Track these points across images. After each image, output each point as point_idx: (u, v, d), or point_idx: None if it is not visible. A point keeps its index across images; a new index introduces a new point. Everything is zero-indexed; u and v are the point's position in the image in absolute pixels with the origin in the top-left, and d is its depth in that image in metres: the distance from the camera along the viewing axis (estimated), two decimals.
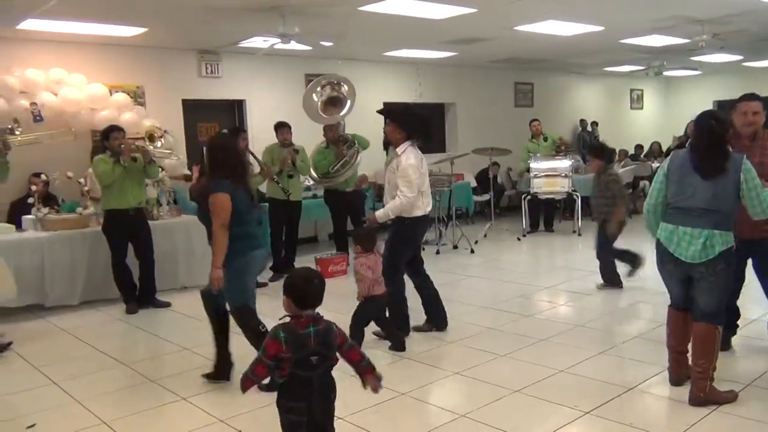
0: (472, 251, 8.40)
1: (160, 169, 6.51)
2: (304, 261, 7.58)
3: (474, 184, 11.29)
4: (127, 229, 6.07)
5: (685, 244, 3.38)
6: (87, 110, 7.36)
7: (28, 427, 3.60)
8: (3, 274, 5.30)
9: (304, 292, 2.46)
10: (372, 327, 4.80)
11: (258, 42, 7.89)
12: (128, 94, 7.87)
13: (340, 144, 7.54)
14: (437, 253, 8.37)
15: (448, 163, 8.87)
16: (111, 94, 7.62)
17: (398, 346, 4.62)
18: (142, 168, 6.08)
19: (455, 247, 8.62)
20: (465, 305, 5.84)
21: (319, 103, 7.40)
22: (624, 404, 3.53)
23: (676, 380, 3.68)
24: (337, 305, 6.08)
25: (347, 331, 4.31)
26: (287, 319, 2.47)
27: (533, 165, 9.45)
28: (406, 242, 4.91)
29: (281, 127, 7.28)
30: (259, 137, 8.27)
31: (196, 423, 3.54)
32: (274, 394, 2.51)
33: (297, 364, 2.39)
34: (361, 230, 4.89)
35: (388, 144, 4.99)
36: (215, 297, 4.01)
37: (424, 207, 4.86)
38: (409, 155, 4.69)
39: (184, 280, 6.87)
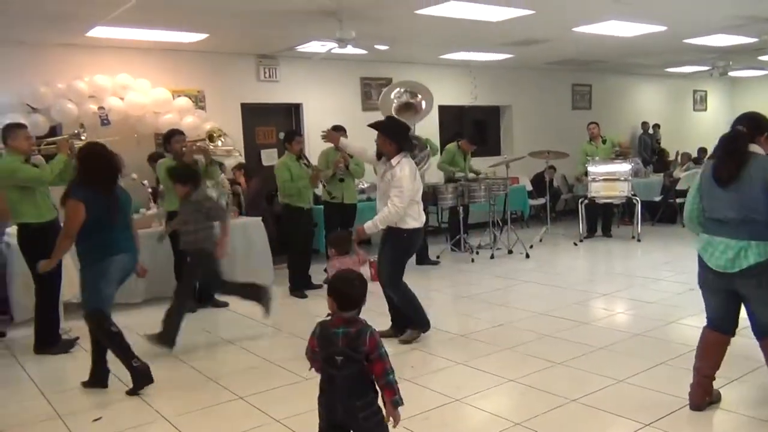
0: (528, 256, 8.30)
1: (220, 171, 6.67)
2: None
3: (529, 187, 11.15)
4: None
5: (718, 253, 3.25)
6: (151, 114, 7.61)
7: (95, 420, 3.75)
8: (71, 272, 5.52)
9: (344, 293, 2.53)
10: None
11: (315, 46, 8.01)
12: (190, 98, 8.09)
13: (413, 146, 7.67)
14: (492, 257, 8.30)
15: (504, 166, 8.79)
16: (174, 98, 7.85)
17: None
18: (203, 170, 6.23)
19: (510, 251, 8.53)
20: (520, 311, 5.77)
21: (395, 105, 7.55)
22: (684, 418, 3.43)
23: (696, 405, 3.45)
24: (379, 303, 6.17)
25: None
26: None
27: (591, 168, 9.26)
28: (404, 254, 4.96)
29: (336, 131, 7.35)
30: (316, 141, 8.35)
31: (253, 422, 3.62)
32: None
33: (324, 361, 2.50)
34: (337, 234, 4.92)
35: (381, 155, 4.95)
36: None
37: (419, 218, 4.89)
38: (404, 166, 4.73)
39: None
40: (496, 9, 6.86)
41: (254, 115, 9.16)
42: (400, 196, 4.67)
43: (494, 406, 3.71)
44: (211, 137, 6.88)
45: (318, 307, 6.28)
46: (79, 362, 4.92)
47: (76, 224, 4.03)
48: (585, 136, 10.09)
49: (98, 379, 4.29)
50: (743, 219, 3.17)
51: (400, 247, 4.88)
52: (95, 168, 4.17)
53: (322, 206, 7.44)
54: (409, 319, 5.01)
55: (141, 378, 4.14)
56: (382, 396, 2.51)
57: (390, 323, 5.11)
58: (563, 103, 12.63)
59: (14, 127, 5.14)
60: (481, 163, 9.35)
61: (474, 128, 11.73)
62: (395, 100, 7.64)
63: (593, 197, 9.26)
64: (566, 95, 12.71)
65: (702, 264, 3.36)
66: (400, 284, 4.94)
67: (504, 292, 6.60)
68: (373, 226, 4.78)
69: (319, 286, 7.01)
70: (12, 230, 5.58)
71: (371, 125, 5.05)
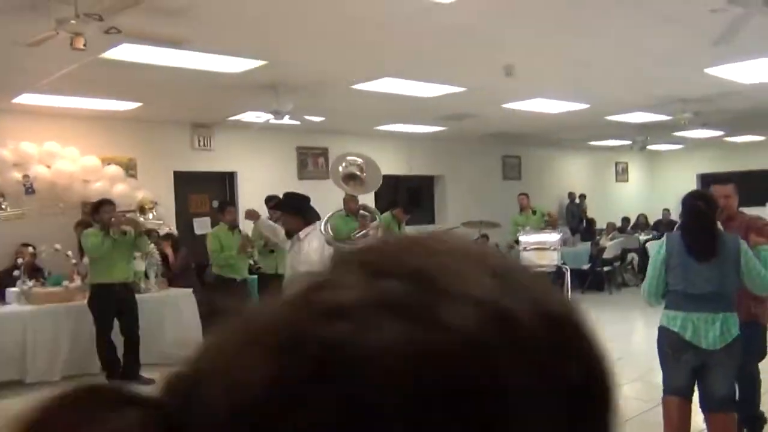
0: None
1: (149, 242, 6.49)
2: None
3: None
4: (113, 304, 5.98)
5: (703, 331, 3.24)
6: (80, 182, 7.39)
7: None
8: None
9: None
10: None
11: (251, 117, 8.04)
12: (121, 166, 7.92)
13: (363, 216, 7.80)
14: None
15: None
16: (104, 166, 7.66)
17: None
18: (132, 242, 6.04)
19: None
20: None
21: (342, 173, 7.66)
22: None
23: None
24: None
25: None
26: None
27: (522, 238, 9.49)
28: None
29: (270, 201, 7.32)
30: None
31: None
32: None
33: None
34: None
35: (290, 233, 4.93)
36: None
37: None
38: (312, 239, 4.73)
39: (171, 355, 6.73)
40: (430, 86, 7.10)
41: (187, 183, 9.03)
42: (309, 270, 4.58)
43: None
44: (142, 209, 6.72)
45: None
46: None
47: None
48: (515, 204, 10.39)
49: None
50: (719, 292, 3.24)
51: None
52: None
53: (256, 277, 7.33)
54: None
55: None
56: None
57: None
58: (494, 174, 13.02)
59: None
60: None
61: (409, 197, 11.91)
62: (341, 169, 7.77)
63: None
64: (497, 166, 13.13)
65: (677, 340, 3.31)
66: None
67: None
68: None
69: None
70: None
71: (276, 207, 5.10)
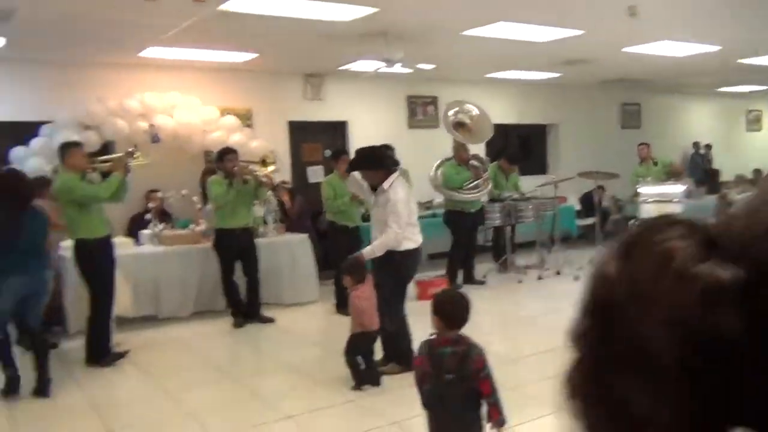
0: (577, 278, 8.12)
1: (267, 191, 6.73)
2: None
3: (578, 207, 10.95)
4: (235, 248, 6.29)
5: None
6: (199, 132, 7.72)
7: None
8: (122, 288, 5.62)
9: (452, 312, 2.57)
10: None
11: (362, 65, 8.05)
12: (238, 117, 8.20)
13: (474, 166, 7.77)
14: (539, 278, 8.15)
15: (552, 186, 8.65)
16: (222, 117, 7.96)
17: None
18: (252, 190, 6.30)
19: (558, 273, 8.36)
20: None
21: (451, 120, 7.67)
22: None
23: None
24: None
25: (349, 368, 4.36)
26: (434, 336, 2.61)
27: (642, 190, 9.03)
28: (399, 277, 4.73)
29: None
30: None
31: None
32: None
33: (434, 380, 2.51)
34: (351, 260, 4.71)
35: (375, 188, 4.77)
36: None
37: (414, 239, 4.71)
38: (396, 189, 4.61)
39: (288, 297, 7.04)
40: (545, 30, 6.79)
41: (301, 132, 9.23)
42: (397, 221, 4.52)
43: None
44: (264, 162, 6.93)
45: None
46: (129, 374, 4.99)
47: None
48: (634, 154, 9.88)
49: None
50: None
51: (396, 271, 4.68)
52: None
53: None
54: (396, 352, 4.74)
55: (9, 385, 4.46)
56: (488, 414, 2.55)
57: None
58: (612, 122, 12.42)
59: (71, 146, 5.27)
60: (529, 182, 9.22)
61: (520, 146, 11.63)
62: (452, 117, 7.77)
63: (644, 219, 9.04)
64: (615, 114, 12.50)
65: None
66: (398, 312, 4.71)
67: (553, 315, 6.44)
68: (371, 252, 4.63)
69: None
70: (67, 244, 5.70)
71: (352, 167, 5.01)
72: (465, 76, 9.84)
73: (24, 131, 7.15)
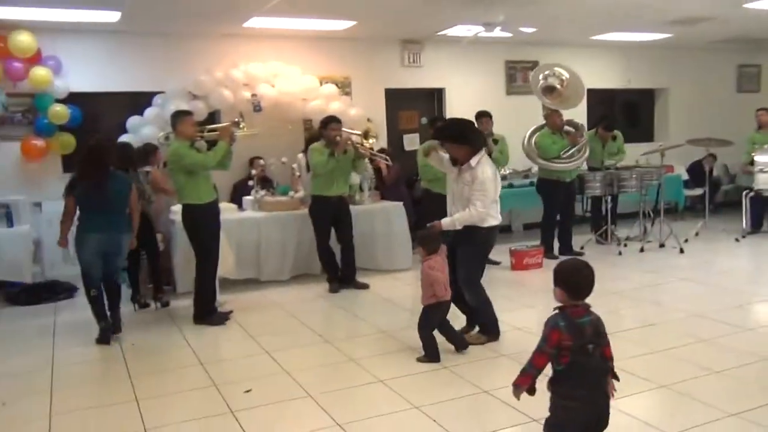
0: (682, 251, 7.75)
1: (366, 163, 6.80)
2: (497, 251, 7.49)
3: (685, 176, 10.39)
4: (330, 215, 6.43)
5: None
6: (299, 101, 7.89)
7: (246, 391, 3.98)
8: (225, 250, 5.91)
9: (578, 282, 2.53)
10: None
11: (461, 30, 7.93)
12: (336, 85, 8.30)
13: (570, 132, 7.57)
14: (641, 250, 7.84)
15: (658, 154, 8.24)
16: (321, 85, 8.09)
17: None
18: (351, 160, 6.40)
19: (662, 245, 8.01)
20: (673, 311, 5.41)
21: (541, 84, 7.44)
22: None
23: None
24: (533, 300, 6.02)
25: (422, 341, 4.37)
26: (557, 310, 2.55)
27: (758, 158, 8.45)
28: (482, 252, 4.73)
29: (482, 117, 7.24)
30: None
31: (392, 406, 3.67)
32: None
33: (576, 352, 2.46)
34: (426, 231, 4.61)
35: (455, 161, 4.64)
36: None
37: (497, 216, 4.66)
38: (485, 168, 4.45)
39: (382, 263, 7.16)
40: None
41: (398, 100, 9.25)
42: (483, 199, 4.44)
43: (644, 413, 3.49)
44: (366, 135, 7.00)
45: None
46: (233, 333, 5.26)
47: (65, 207, 5.10)
48: (752, 120, 9.23)
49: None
50: None
51: (478, 246, 4.66)
52: (79, 162, 5.19)
53: None
54: (481, 324, 4.82)
55: (101, 335, 5.05)
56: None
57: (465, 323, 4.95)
58: (727, 85, 11.61)
59: (182, 114, 5.56)
60: (634, 150, 8.82)
61: (625, 112, 11.11)
62: (541, 81, 7.50)
63: (760, 189, 8.46)
64: (731, 76, 11.67)
65: None
66: (478, 285, 4.72)
67: (655, 289, 6.21)
68: (451, 224, 4.58)
69: None
70: (177, 208, 6.04)
71: (436, 136, 4.86)
72: (567, 38, 9.47)
73: (140, 101, 7.59)
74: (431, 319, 4.42)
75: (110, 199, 5.03)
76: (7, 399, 4.02)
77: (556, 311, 2.53)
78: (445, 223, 4.62)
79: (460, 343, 4.55)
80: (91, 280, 5.07)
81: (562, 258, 7.64)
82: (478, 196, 4.46)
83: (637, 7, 7.35)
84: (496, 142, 7.20)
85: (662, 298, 5.85)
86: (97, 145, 5.07)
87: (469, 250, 4.65)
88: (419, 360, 4.38)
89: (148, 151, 6.33)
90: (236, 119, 5.78)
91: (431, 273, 4.33)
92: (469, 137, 4.56)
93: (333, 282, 6.50)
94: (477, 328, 4.83)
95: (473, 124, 4.86)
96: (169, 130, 6.00)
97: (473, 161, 4.50)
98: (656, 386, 3.83)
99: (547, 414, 2.60)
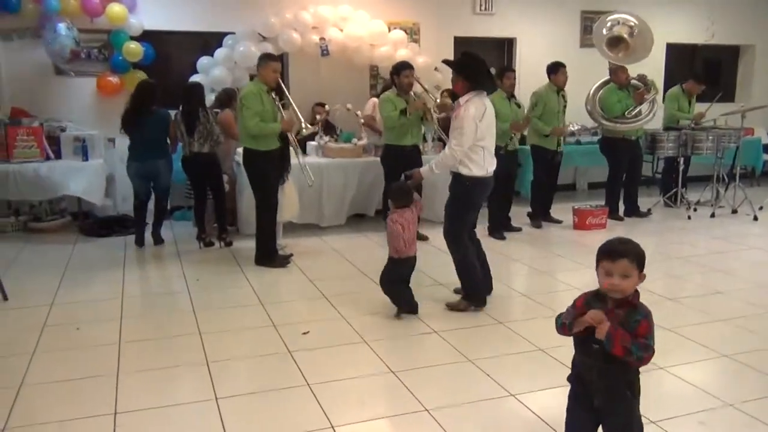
0: (756, 218, 7.42)
1: (434, 120, 6.69)
2: (560, 209, 7.38)
3: (766, 140, 9.88)
4: (402, 163, 6.39)
5: None
6: (367, 46, 7.80)
7: (303, 333, 4.09)
8: (291, 195, 5.99)
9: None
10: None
11: None
12: (405, 31, 8.16)
13: (637, 86, 7.28)
14: (712, 216, 7.55)
15: (738, 116, 7.83)
16: (389, 31, 7.96)
17: (411, 309, 4.37)
18: (421, 115, 6.29)
19: (735, 211, 7.69)
20: (741, 280, 5.22)
21: (606, 35, 7.08)
22: None
23: None
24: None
25: (386, 295, 4.36)
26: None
27: None
28: (465, 206, 4.45)
29: (560, 67, 6.99)
30: (527, 79, 8.07)
31: (446, 357, 3.71)
32: None
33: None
34: (394, 184, 4.49)
35: (456, 97, 4.43)
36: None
37: (485, 166, 4.36)
38: (469, 106, 4.24)
39: (442, 215, 7.11)
40: None
41: (467, 48, 8.97)
42: (458, 138, 4.23)
43: (703, 381, 3.42)
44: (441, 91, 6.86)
45: (516, 250, 6.21)
46: (292, 276, 5.39)
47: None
48: None
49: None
50: None
51: (461, 198, 4.43)
52: (127, 102, 6.16)
53: (528, 147, 7.26)
54: (463, 287, 4.58)
55: (136, 238, 6.33)
56: None
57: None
58: None
59: (267, 58, 5.53)
60: (713, 111, 8.40)
61: (706, 70, 10.56)
62: (605, 32, 7.11)
63: None
64: None
65: None
66: (460, 241, 4.48)
67: (723, 256, 5.99)
68: (429, 170, 4.45)
69: (519, 229, 6.91)
70: (241, 150, 6.14)
71: (446, 62, 4.59)
72: None
73: (210, 41, 7.66)
74: (392, 272, 4.38)
75: (147, 134, 6.08)
76: (80, 324, 4.25)
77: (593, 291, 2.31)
78: (424, 171, 4.51)
79: (411, 307, 4.40)
80: (137, 195, 6.29)
81: (628, 219, 7.46)
82: (455, 135, 4.29)
83: None
84: (563, 98, 7.02)
85: (730, 266, 5.64)
86: (138, 89, 6.18)
87: (450, 201, 4.47)
88: (397, 316, 4.36)
89: (230, 96, 6.51)
90: (303, 125, 5.63)
91: (392, 227, 4.27)
92: (467, 70, 4.33)
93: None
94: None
95: (483, 63, 4.41)
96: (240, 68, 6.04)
97: (462, 99, 4.32)
98: (717, 355, 3.74)
99: None
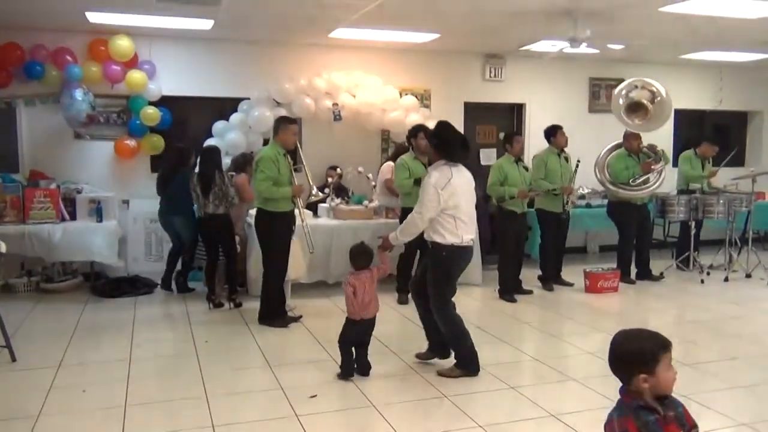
0: None
1: None
2: (572, 272, 7.33)
3: None
4: None
5: None
6: (379, 111, 7.95)
7: (311, 396, 4.03)
8: (298, 256, 6.01)
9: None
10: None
11: (545, 46, 7.81)
12: (416, 97, 8.34)
13: (647, 155, 7.31)
14: (725, 280, 7.47)
15: (749, 180, 7.85)
16: (401, 97, 8.14)
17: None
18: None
19: (748, 275, 7.61)
20: (759, 346, 5.12)
21: (623, 102, 7.14)
22: None
23: None
24: (605, 324, 5.83)
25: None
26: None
27: None
28: (444, 274, 4.37)
29: (558, 130, 7.09)
30: (536, 143, 8.17)
31: (455, 423, 3.64)
32: None
33: None
34: (354, 245, 4.52)
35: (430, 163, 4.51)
36: None
37: (459, 234, 4.30)
38: (432, 173, 4.31)
39: None
40: (755, 4, 6.11)
41: (476, 113, 9.18)
42: (418, 205, 4.29)
43: None
44: None
45: (526, 313, 6.15)
46: (301, 338, 5.35)
47: None
48: None
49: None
50: None
51: (439, 267, 4.36)
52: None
53: (535, 210, 7.26)
54: (456, 355, 4.48)
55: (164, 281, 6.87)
56: None
57: (427, 345, 4.72)
58: None
59: (285, 121, 5.67)
60: (724, 175, 8.43)
61: (715, 135, 10.64)
62: (624, 96, 7.16)
63: None
64: None
65: None
66: (446, 309, 4.41)
67: (738, 321, 5.90)
68: (395, 237, 4.44)
69: (530, 292, 6.85)
70: (254, 212, 6.20)
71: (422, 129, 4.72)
72: (657, 56, 9.16)
73: (226, 106, 7.86)
74: (346, 332, 4.37)
75: (169, 193, 6.70)
76: (87, 386, 4.22)
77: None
78: (392, 237, 4.50)
79: (362, 369, 4.38)
80: (171, 242, 6.92)
81: (640, 283, 7.39)
82: (418, 202, 4.34)
83: (734, 29, 7.03)
84: (566, 159, 7.08)
85: (745, 331, 5.55)
86: (167, 156, 6.96)
87: (432, 270, 4.41)
88: (338, 376, 4.35)
89: (247, 161, 6.71)
90: (314, 192, 5.79)
91: (345, 289, 4.31)
92: (434, 140, 4.42)
93: (402, 293, 6.50)
94: (453, 360, 4.50)
95: (454, 133, 4.47)
96: (255, 133, 6.18)
97: (431, 167, 4.40)
98: (735, 424, 3.64)
99: None
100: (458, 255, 4.38)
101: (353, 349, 4.37)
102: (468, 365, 4.42)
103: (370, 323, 4.38)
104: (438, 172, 4.30)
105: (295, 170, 5.69)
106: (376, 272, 4.40)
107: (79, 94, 7.02)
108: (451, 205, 4.26)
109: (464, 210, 4.33)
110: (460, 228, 4.32)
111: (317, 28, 7.19)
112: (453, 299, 4.46)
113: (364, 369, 4.40)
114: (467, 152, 4.51)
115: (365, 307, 4.31)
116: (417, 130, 6.39)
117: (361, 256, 4.42)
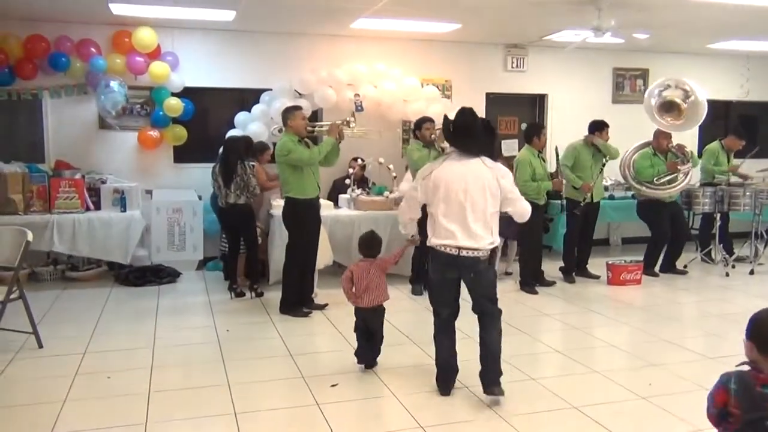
0: None
1: None
2: (594, 264, 7.27)
3: None
4: None
5: None
6: (400, 102, 7.94)
7: (332, 385, 4.05)
8: (325, 244, 6.05)
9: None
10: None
11: (568, 35, 7.72)
12: (437, 87, 8.30)
13: (675, 154, 7.20)
14: (751, 273, 7.37)
15: None
16: (422, 87, 8.11)
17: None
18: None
19: None
20: None
21: (656, 101, 7.05)
22: None
23: None
24: (627, 317, 5.79)
25: None
26: (745, 367, 2.09)
27: None
28: (433, 275, 3.92)
29: (605, 127, 7.03)
30: (558, 135, 8.11)
31: (476, 413, 3.64)
32: None
33: (748, 426, 2.00)
34: (364, 233, 4.53)
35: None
36: None
37: (438, 234, 3.73)
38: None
39: None
40: None
41: (498, 104, 9.12)
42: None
43: None
44: None
45: (548, 305, 6.11)
46: (323, 328, 5.38)
47: None
48: None
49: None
50: None
51: (431, 268, 3.96)
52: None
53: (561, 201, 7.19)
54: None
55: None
56: None
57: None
58: None
59: (293, 109, 5.73)
60: (750, 166, 8.29)
61: (741, 126, 10.45)
62: (657, 95, 7.06)
63: None
64: None
65: None
66: (436, 320, 3.99)
67: None
68: (402, 226, 4.27)
69: (552, 283, 6.82)
70: (277, 203, 6.22)
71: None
72: (683, 46, 9.02)
73: (248, 97, 7.90)
74: (356, 317, 4.39)
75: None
76: (111, 373, 4.28)
77: (738, 368, 2.07)
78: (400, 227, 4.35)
79: (365, 360, 4.36)
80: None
81: (664, 276, 7.30)
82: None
83: (761, 15, 6.89)
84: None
85: None
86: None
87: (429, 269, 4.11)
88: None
89: (264, 148, 6.81)
90: (348, 118, 5.89)
91: (344, 274, 4.36)
92: (443, 127, 4.06)
93: (416, 284, 6.51)
94: None
95: (460, 117, 3.94)
96: (276, 125, 6.22)
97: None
98: None
99: None
100: (436, 259, 3.81)
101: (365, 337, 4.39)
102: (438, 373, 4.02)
103: (370, 313, 4.31)
104: (436, 161, 3.99)
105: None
106: (378, 264, 4.33)
107: (115, 85, 7.11)
108: (432, 201, 3.80)
109: (450, 211, 3.71)
110: (438, 230, 3.75)
111: (338, 18, 7.18)
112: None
113: (368, 360, 4.36)
114: (467, 140, 3.83)
115: (361, 295, 4.30)
116: (422, 121, 6.49)
117: (367, 244, 4.42)
